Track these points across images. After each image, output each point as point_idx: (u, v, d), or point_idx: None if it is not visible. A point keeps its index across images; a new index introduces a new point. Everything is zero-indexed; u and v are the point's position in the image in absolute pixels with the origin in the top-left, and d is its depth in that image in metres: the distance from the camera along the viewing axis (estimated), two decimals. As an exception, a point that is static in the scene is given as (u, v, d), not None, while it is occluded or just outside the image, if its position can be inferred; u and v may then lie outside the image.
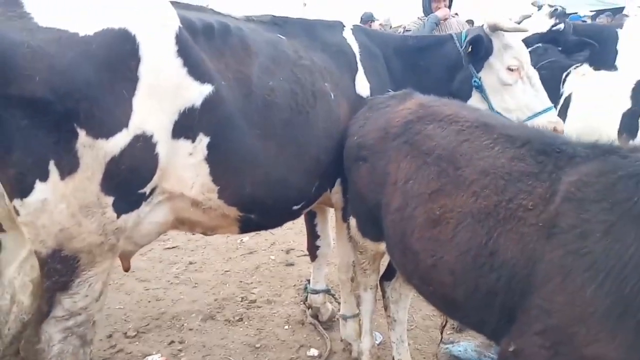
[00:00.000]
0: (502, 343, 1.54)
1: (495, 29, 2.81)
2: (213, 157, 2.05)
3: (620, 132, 3.30)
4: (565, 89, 3.74)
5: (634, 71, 3.50)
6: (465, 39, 2.84)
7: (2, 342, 1.93)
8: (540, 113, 2.77)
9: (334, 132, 2.44)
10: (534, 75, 2.89)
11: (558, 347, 1.31)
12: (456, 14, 5.69)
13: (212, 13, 2.36)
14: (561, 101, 3.70)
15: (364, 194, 2.24)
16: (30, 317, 1.92)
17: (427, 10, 5.06)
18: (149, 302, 3.78)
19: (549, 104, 2.87)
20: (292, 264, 4.41)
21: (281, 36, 2.51)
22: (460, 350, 2.93)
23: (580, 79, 3.68)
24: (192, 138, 2.00)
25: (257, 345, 3.20)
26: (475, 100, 2.83)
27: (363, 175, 2.22)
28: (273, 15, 2.69)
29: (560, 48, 4.05)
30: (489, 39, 2.82)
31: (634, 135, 3.22)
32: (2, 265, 1.94)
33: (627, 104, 3.30)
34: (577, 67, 3.77)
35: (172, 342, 3.25)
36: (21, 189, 1.67)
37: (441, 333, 2.69)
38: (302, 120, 2.30)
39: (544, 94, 2.87)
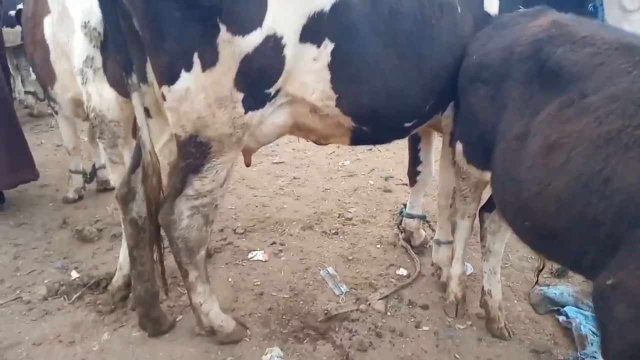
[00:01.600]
0: (600, 277, 1.50)
1: None
2: (335, 64, 2.09)
3: None
4: None
5: None
6: None
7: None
8: None
9: (457, 48, 2.35)
10: None
11: None
12: None
13: None
14: None
15: (479, 118, 2.18)
16: (167, 193, 2.24)
17: None
18: (256, 207, 4.16)
19: None
20: (389, 191, 4.51)
21: None
22: (555, 293, 2.86)
23: None
24: (318, 43, 2.06)
25: (350, 258, 3.41)
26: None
27: (481, 99, 2.15)
28: None
29: None
30: None
31: None
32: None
33: None
34: None
35: (274, 242, 3.58)
36: (170, 77, 1.89)
37: (536, 277, 2.64)
38: (426, 33, 2.25)
39: None
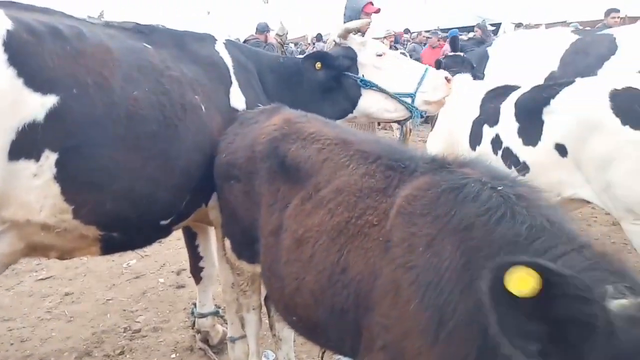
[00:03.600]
0: None
1: (345, 34, 3.03)
2: (64, 175, 1.86)
3: (470, 139, 3.62)
4: None
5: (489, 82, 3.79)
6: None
7: None
8: (424, 74, 2.95)
9: (206, 145, 2.33)
10: (395, 53, 3.21)
11: None
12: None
13: (61, 16, 2.13)
14: None
15: (238, 214, 2.14)
16: None
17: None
18: (11, 344, 3.32)
19: (424, 65, 3.13)
20: (183, 286, 4.16)
21: (147, 45, 2.35)
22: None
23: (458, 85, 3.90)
24: (36, 157, 1.79)
25: (140, 382, 2.95)
26: (368, 96, 2.98)
27: (236, 195, 2.13)
28: (137, 23, 2.51)
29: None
30: (346, 46, 3.03)
31: (478, 143, 3.53)
32: None
33: (476, 113, 3.63)
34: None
35: (39, 387, 2.88)
36: None
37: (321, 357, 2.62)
38: (170, 133, 2.17)
39: (412, 62, 3.19)
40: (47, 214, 1.90)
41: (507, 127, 3.31)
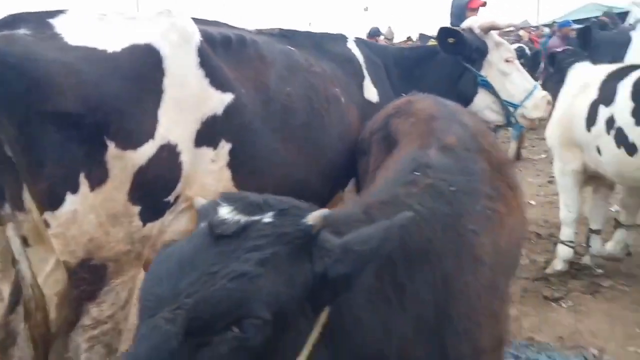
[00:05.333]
0: None
1: (489, 28, 3.15)
2: (235, 162, 2.11)
3: (587, 120, 3.50)
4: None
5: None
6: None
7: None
8: (533, 91, 3.17)
9: (345, 134, 2.54)
10: (517, 62, 3.31)
11: None
12: None
13: (227, 27, 2.45)
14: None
15: (362, 186, 2.33)
16: (57, 328, 1.95)
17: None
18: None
19: (534, 81, 3.32)
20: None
21: (291, 47, 2.62)
22: None
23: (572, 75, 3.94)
24: (214, 145, 2.06)
25: None
26: (483, 95, 3.15)
27: (362, 167, 2.34)
28: (281, 29, 2.81)
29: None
30: (482, 40, 3.14)
31: (593, 123, 3.44)
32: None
33: (594, 96, 3.49)
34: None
35: None
36: (52, 202, 1.71)
37: None
38: (318, 123, 2.40)
39: (527, 74, 3.32)
40: (220, 196, 2.19)
41: (622, 106, 3.20)
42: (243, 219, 1.05)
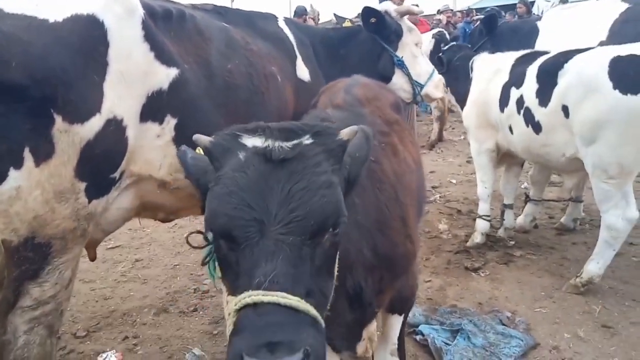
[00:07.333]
0: None
1: (405, 13, 3.54)
2: (180, 137, 2.11)
3: (500, 102, 3.88)
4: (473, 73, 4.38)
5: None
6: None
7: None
8: (432, 73, 3.66)
9: (283, 111, 2.65)
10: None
11: None
12: None
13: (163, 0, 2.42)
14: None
15: None
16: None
17: None
18: (97, 301, 3.68)
19: (432, 66, 3.80)
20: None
21: (226, 24, 2.65)
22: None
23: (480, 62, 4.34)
24: (160, 120, 2.06)
25: (215, 332, 3.25)
26: (399, 75, 3.54)
27: None
28: (215, 5, 2.82)
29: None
30: (398, 23, 3.49)
31: (506, 104, 3.82)
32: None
33: (505, 78, 3.88)
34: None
35: (126, 337, 3.21)
36: None
37: None
38: (259, 100, 2.48)
39: (427, 59, 3.84)
40: (165, 172, 2.17)
41: (529, 88, 3.57)
42: (288, 144, 1.19)
